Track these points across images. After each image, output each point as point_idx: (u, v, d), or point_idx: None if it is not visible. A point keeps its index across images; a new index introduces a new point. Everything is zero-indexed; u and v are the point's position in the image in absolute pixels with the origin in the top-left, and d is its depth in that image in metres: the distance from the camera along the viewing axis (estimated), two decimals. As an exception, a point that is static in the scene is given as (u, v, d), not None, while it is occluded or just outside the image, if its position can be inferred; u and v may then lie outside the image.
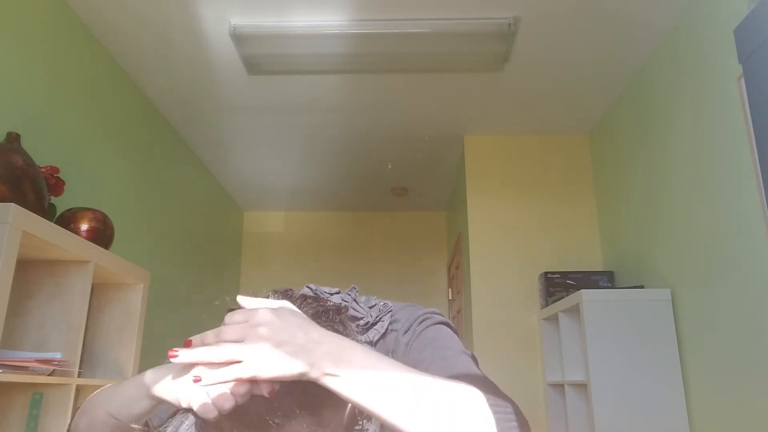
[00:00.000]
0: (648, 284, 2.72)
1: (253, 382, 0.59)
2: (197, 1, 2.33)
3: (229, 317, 0.63)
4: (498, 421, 0.59)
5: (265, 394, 0.59)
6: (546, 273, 3.14)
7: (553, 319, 3.06)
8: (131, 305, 2.22)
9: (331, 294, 0.83)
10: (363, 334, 0.78)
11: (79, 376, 1.82)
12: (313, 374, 0.58)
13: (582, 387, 2.74)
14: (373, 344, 0.78)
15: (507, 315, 3.25)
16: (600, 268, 3.29)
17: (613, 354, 2.48)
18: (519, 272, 3.30)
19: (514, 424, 0.61)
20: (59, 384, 1.77)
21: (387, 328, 0.80)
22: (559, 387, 3.02)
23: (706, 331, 2.26)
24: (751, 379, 1.96)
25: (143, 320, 2.24)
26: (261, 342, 0.58)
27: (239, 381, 0.58)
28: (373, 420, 0.77)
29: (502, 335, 3.21)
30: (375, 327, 0.80)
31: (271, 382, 0.59)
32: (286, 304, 0.66)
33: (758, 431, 1.91)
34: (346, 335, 0.69)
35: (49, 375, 1.72)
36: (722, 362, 2.14)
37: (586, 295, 2.58)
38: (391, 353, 0.77)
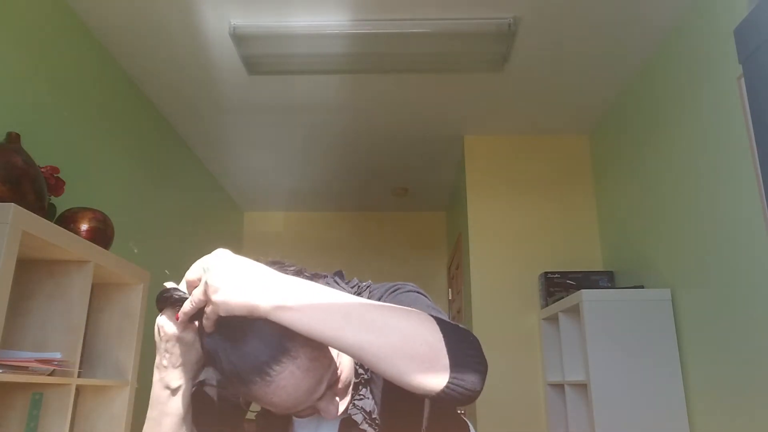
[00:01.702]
0: (648, 284, 2.72)
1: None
2: (197, 1, 2.33)
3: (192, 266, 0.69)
4: (453, 342, 0.60)
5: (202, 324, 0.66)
6: (546, 273, 3.14)
7: (553, 319, 3.06)
8: (131, 305, 2.22)
9: (320, 276, 0.87)
10: None
11: (79, 376, 1.82)
12: (263, 308, 0.60)
13: (582, 387, 2.74)
14: None
15: (507, 315, 3.25)
16: (600, 268, 3.29)
17: (613, 354, 2.48)
18: (519, 272, 3.30)
19: (475, 345, 0.62)
20: (59, 384, 1.77)
21: None
22: (559, 387, 3.01)
23: (706, 331, 2.25)
24: (751, 378, 1.96)
25: (143, 320, 2.24)
26: (210, 275, 0.62)
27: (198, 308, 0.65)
28: (370, 388, 0.79)
29: (502, 335, 3.21)
30: None
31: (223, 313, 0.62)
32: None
33: (758, 431, 1.91)
34: None
35: (49, 375, 1.71)
36: (722, 362, 2.14)
37: (586, 295, 2.58)
38: None
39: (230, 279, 0.61)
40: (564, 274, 3.12)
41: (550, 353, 3.09)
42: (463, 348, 0.60)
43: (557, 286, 3.10)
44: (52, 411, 1.75)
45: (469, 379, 0.59)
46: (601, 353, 2.49)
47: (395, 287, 0.83)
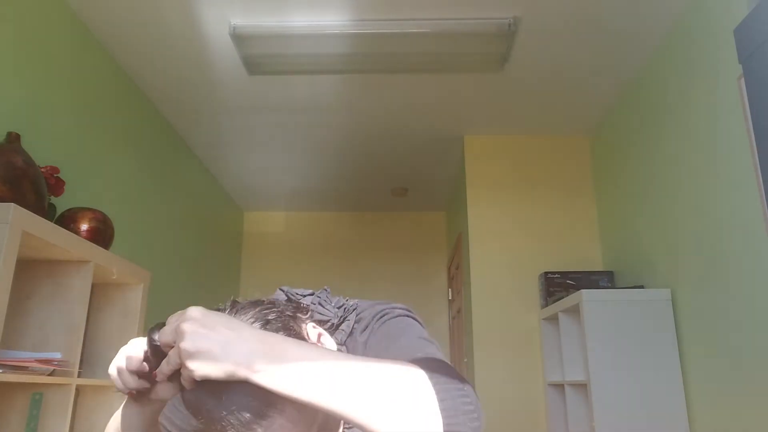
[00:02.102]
0: (648, 284, 2.72)
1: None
2: (197, 1, 2.33)
3: (168, 319, 0.64)
4: (446, 399, 0.58)
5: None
6: (546, 273, 3.14)
7: (553, 319, 3.06)
8: (131, 305, 2.22)
9: (304, 296, 0.83)
10: (332, 336, 0.78)
11: (79, 376, 1.82)
12: (242, 372, 0.57)
13: (582, 387, 2.74)
14: (342, 345, 0.78)
15: (507, 315, 3.25)
16: (600, 268, 3.29)
17: (613, 354, 2.48)
18: (519, 272, 3.30)
19: (468, 400, 0.59)
20: (59, 384, 1.77)
21: (353, 328, 0.80)
22: (559, 387, 3.02)
23: (706, 331, 2.25)
24: (751, 378, 1.96)
25: (143, 320, 2.24)
26: (183, 339, 0.58)
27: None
28: None
29: (502, 335, 3.21)
30: (341, 327, 0.80)
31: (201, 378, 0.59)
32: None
33: (758, 431, 1.91)
34: (300, 338, 0.69)
35: (49, 375, 1.72)
36: (722, 362, 2.14)
37: (586, 295, 2.58)
38: (352, 353, 0.77)
39: (205, 344, 0.58)
40: (564, 274, 3.12)
41: (550, 353, 3.09)
42: (458, 404, 0.58)
43: (557, 286, 3.10)
44: (52, 411, 1.75)
45: None
46: (601, 353, 2.49)
47: (383, 312, 0.80)
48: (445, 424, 0.57)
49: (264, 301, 0.72)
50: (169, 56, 2.71)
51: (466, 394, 0.59)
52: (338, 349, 0.77)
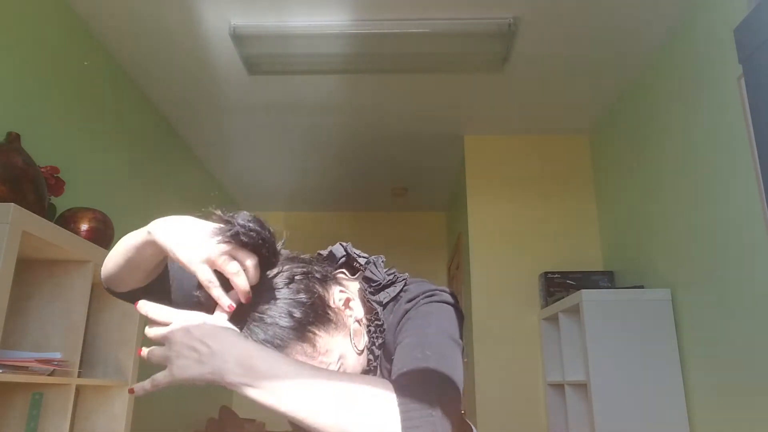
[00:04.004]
0: (648, 284, 2.72)
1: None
2: (197, 1, 2.33)
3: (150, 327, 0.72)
4: (406, 428, 0.60)
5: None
6: (546, 273, 3.14)
7: (553, 319, 3.06)
8: (131, 305, 2.21)
9: (360, 256, 0.89)
10: (375, 295, 0.84)
11: (79, 376, 1.82)
12: (222, 383, 0.63)
13: (582, 387, 2.74)
14: (382, 305, 0.83)
15: (507, 315, 3.25)
16: (600, 268, 3.29)
17: (613, 354, 2.48)
18: (519, 272, 3.30)
19: (434, 428, 0.61)
20: (59, 384, 1.77)
21: (399, 294, 0.84)
22: (559, 387, 3.01)
23: (706, 331, 2.25)
24: (751, 379, 1.96)
25: (143, 320, 2.24)
26: (170, 355, 0.66)
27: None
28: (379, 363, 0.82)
29: (502, 335, 3.21)
30: (387, 290, 0.85)
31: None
32: (196, 318, 0.69)
33: (758, 431, 1.91)
34: (322, 301, 0.77)
35: (49, 375, 1.71)
36: (722, 362, 2.14)
37: (586, 295, 2.58)
38: (391, 317, 0.82)
39: (184, 363, 0.65)
40: (564, 274, 3.12)
41: (550, 353, 3.09)
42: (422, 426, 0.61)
43: (557, 286, 3.10)
44: (52, 411, 1.75)
45: None
46: (601, 353, 2.49)
47: (432, 292, 0.82)
48: None
49: (298, 258, 0.81)
50: (169, 56, 2.71)
51: (433, 422, 0.62)
52: (376, 311, 0.83)
